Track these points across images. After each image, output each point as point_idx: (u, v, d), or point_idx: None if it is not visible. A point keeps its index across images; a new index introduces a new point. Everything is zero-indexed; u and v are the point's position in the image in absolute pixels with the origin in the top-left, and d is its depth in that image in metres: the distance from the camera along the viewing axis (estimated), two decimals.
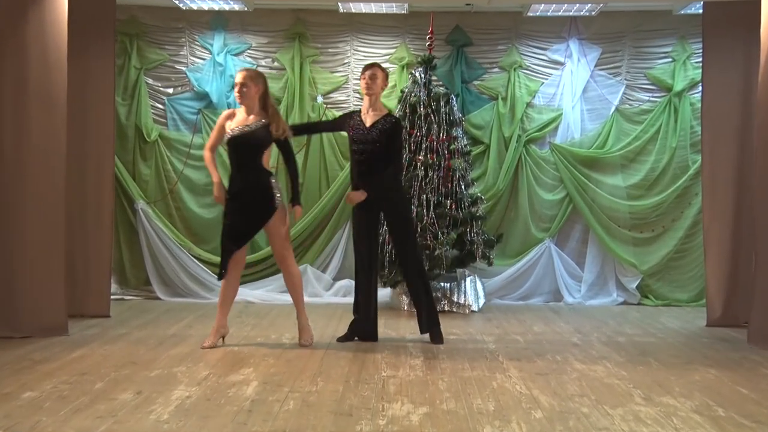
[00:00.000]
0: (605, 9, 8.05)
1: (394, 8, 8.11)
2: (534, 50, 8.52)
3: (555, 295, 8.28)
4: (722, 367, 4.99)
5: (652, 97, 8.42)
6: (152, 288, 8.10)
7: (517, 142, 8.34)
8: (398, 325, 6.56)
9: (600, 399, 4.07)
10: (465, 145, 7.72)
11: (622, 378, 4.59)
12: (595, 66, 8.41)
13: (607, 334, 6.27)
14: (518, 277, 8.29)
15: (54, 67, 5.71)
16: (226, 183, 5.48)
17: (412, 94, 7.65)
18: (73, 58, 5.92)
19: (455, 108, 7.74)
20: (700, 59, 7.11)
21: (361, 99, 8.40)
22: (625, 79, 8.44)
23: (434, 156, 7.41)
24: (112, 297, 6.99)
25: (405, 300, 7.44)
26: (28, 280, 5.63)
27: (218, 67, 8.35)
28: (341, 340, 5.71)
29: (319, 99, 8.43)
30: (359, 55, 8.53)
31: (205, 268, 8.11)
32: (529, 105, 8.46)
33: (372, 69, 5.71)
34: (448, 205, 7.33)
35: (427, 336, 5.78)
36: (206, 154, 5.54)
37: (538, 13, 8.26)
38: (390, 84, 8.36)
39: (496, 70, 8.52)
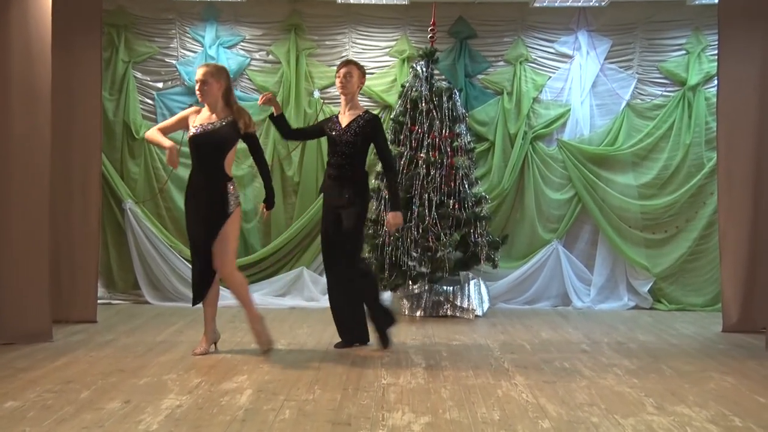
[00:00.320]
0: None
1: None
2: (541, 43, 8.52)
3: (563, 299, 8.29)
4: (739, 374, 4.98)
5: (665, 91, 8.42)
6: (141, 292, 8.09)
7: (523, 139, 8.34)
8: (398, 330, 6.55)
9: (610, 408, 4.06)
10: (468, 142, 7.72)
11: (634, 386, 4.59)
12: (605, 59, 8.42)
13: (618, 340, 6.26)
14: (524, 280, 8.30)
15: (37, 60, 5.70)
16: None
17: (414, 89, 7.65)
18: (57, 50, 5.92)
19: (458, 103, 7.74)
20: (716, 52, 7.11)
21: (362, 95, 8.48)
22: (637, 73, 8.43)
23: (436, 153, 7.41)
24: (98, 301, 6.98)
25: (406, 304, 7.44)
26: (10, 283, 5.63)
27: (210, 60, 8.34)
28: (339, 346, 5.71)
29: (316, 94, 8.43)
30: (358, 47, 8.52)
31: None
32: (535, 100, 8.46)
33: (347, 66, 5.66)
34: (451, 204, 7.32)
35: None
36: (151, 131, 5.46)
37: (545, 4, 8.26)
38: (390, 78, 8.42)
39: (501, 63, 8.52)
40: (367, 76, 8.31)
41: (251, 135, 5.36)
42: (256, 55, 8.52)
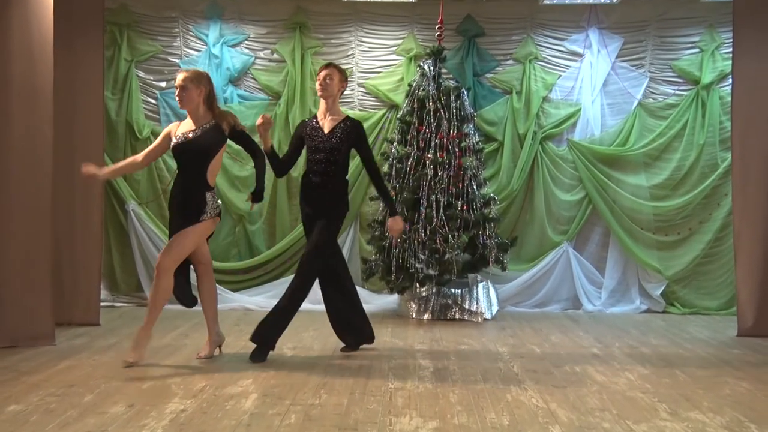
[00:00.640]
0: None
1: None
2: (551, 41, 8.52)
3: (573, 303, 8.29)
4: (755, 379, 4.97)
5: (678, 90, 8.42)
6: (144, 294, 8.11)
7: (532, 139, 8.35)
8: (406, 333, 6.57)
9: (622, 414, 4.07)
10: (477, 143, 7.73)
11: (646, 391, 4.59)
12: (617, 57, 8.42)
13: (630, 344, 6.26)
14: (534, 283, 8.30)
15: (39, 59, 5.72)
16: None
17: (421, 88, 7.66)
18: (59, 49, 5.94)
19: (466, 103, 7.75)
20: (730, 49, 7.10)
21: (368, 95, 8.52)
22: (649, 72, 8.43)
23: (444, 154, 7.42)
24: (101, 304, 7.01)
25: (413, 307, 7.45)
26: (12, 285, 5.65)
27: (214, 59, 8.38)
28: (346, 350, 5.73)
29: None
30: (364, 46, 8.54)
31: None
32: (545, 99, 8.46)
33: (327, 69, 5.56)
34: (459, 206, 7.33)
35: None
36: (128, 159, 5.56)
37: (555, 1, 8.27)
38: (397, 77, 8.43)
39: (510, 62, 8.53)
40: (373, 75, 8.46)
41: (239, 133, 5.25)
42: (261, 54, 8.54)
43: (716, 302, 8.21)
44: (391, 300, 8.02)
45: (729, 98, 7.39)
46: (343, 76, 5.63)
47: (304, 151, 5.66)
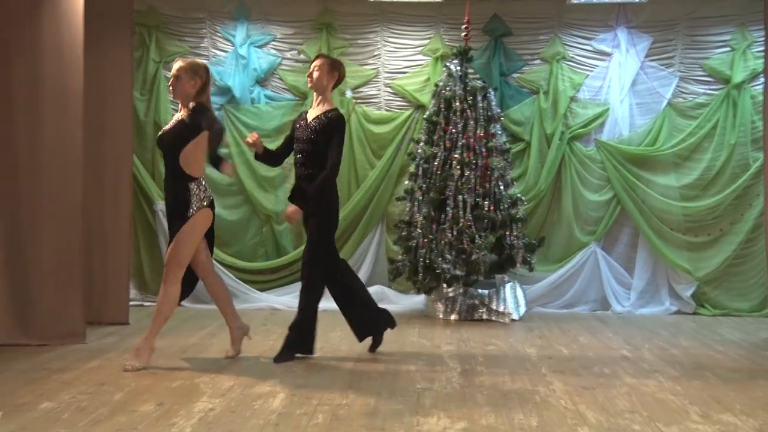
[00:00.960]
0: None
1: None
2: (578, 40, 8.48)
3: (602, 304, 8.24)
4: None
5: (709, 89, 8.33)
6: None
7: (560, 139, 8.31)
8: (433, 334, 6.57)
9: (653, 416, 4.03)
10: (504, 143, 7.70)
11: (677, 393, 4.55)
12: (646, 56, 8.35)
13: (660, 345, 6.21)
14: (562, 283, 8.26)
15: (69, 60, 5.81)
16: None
17: (447, 88, 7.65)
18: (89, 51, 6.01)
19: (493, 103, 7.73)
20: (762, 48, 7.01)
21: (394, 95, 8.54)
22: (679, 71, 8.36)
23: (471, 154, 7.40)
24: (130, 303, 7.09)
25: (440, 307, 7.45)
26: (44, 285, 5.74)
27: (241, 59, 8.43)
28: (372, 349, 5.73)
29: (348, 93, 8.47)
30: (390, 46, 8.55)
31: (228, 273, 8.17)
32: (573, 99, 8.42)
33: (316, 60, 5.48)
34: (486, 206, 7.31)
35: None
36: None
37: (583, 1, 8.21)
38: (423, 77, 8.43)
39: (537, 61, 8.50)
40: (399, 75, 8.46)
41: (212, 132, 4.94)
42: (288, 55, 8.58)
43: (748, 304, 8.11)
44: (417, 300, 8.02)
45: (761, 97, 7.31)
46: (333, 68, 5.48)
47: None
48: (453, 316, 7.39)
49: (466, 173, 7.37)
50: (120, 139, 6.86)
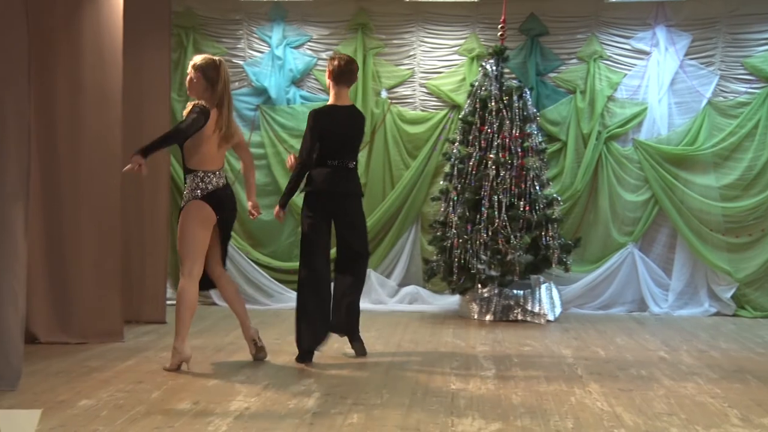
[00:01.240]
0: None
1: None
2: (616, 39, 8.39)
3: (639, 305, 8.14)
4: None
5: (750, 88, 8.20)
6: (209, 293, 8.24)
7: (597, 138, 8.23)
8: (468, 334, 6.55)
9: (691, 419, 3.97)
10: (540, 143, 7.65)
11: (716, 396, 4.48)
12: (685, 55, 8.24)
13: (699, 347, 6.12)
14: (598, 284, 8.18)
15: (109, 62, 5.89)
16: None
17: (483, 88, 7.62)
18: (127, 53, 6.10)
19: (529, 102, 7.68)
20: None
21: (430, 95, 8.54)
22: (719, 69, 8.23)
23: (506, 154, 7.36)
24: (167, 302, 7.15)
25: (475, 308, 7.42)
26: (83, 284, 5.83)
27: (277, 60, 8.48)
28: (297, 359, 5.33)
29: (384, 94, 8.48)
30: (426, 46, 8.54)
31: (263, 273, 8.23)
32: (610, 99, 8.34)
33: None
34: (522, 206, 7.26)
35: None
36: None
37: None
38: (459, 77, 8.41)
39: (574, 61, 8.43)
40: (435, 75, 8.44)
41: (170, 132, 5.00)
42: (323, 55, 8.60)
43: None
44: (452, 301, 8.00)
45: None
46: (331, 65, 5.61)
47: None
48: (488, 317, 7.36)
49: (502, 173, 7.33)
50: None
